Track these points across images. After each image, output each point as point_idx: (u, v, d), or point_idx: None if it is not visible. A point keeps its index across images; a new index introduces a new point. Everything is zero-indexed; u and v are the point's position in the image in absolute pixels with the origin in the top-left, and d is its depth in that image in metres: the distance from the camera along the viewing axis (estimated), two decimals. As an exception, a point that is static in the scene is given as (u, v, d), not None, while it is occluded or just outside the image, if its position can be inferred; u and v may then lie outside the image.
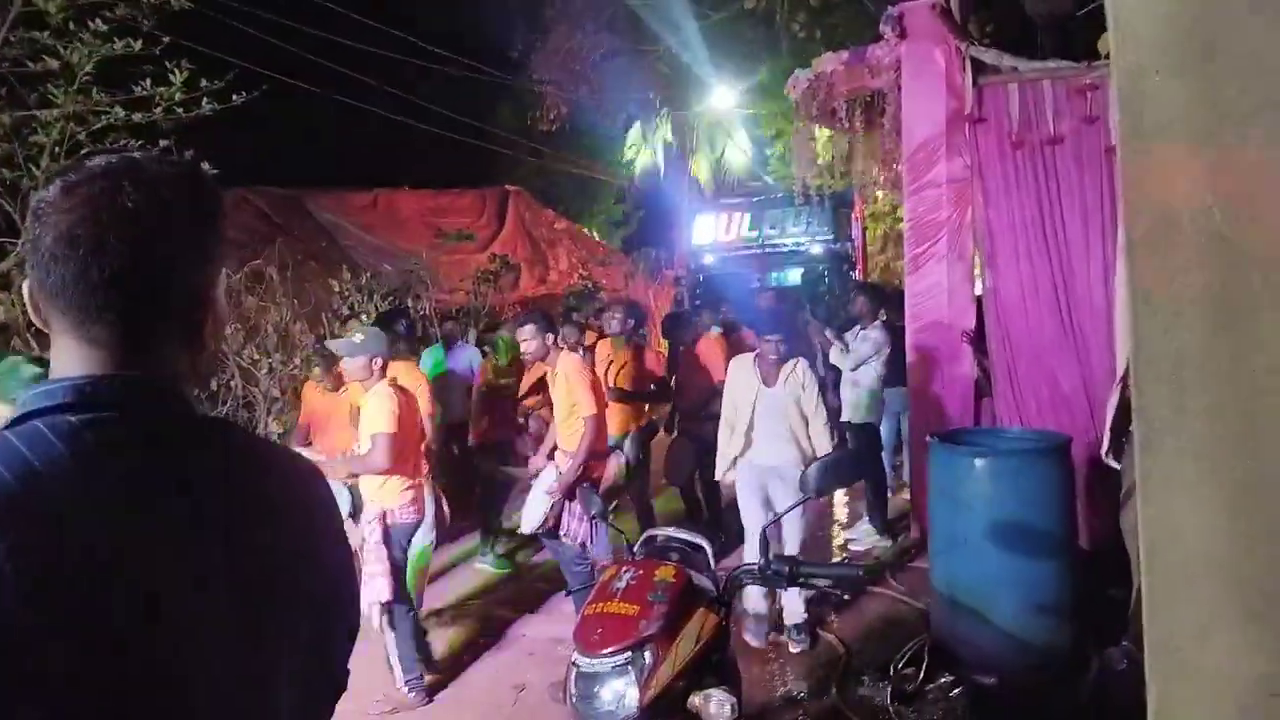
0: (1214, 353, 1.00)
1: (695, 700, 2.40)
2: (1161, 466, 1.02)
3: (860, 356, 6.45)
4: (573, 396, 4.78)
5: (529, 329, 4.78)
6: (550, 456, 5.09)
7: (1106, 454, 3.63)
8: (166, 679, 0.88)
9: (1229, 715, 1.01)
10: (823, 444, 4.71)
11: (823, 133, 7.59)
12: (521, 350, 4.96)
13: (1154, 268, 1.03)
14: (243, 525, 0.98)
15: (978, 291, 6.39)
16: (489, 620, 5.34)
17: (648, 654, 2.37)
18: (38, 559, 0.82)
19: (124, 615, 0.86)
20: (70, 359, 0.95)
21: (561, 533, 4.76)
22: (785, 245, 13.85)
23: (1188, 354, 1.01)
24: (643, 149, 17.27)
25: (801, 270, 13.56)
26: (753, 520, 4.65)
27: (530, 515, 4.83)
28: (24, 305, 0.97)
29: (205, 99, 5.70)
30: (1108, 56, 5.17)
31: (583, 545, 4.78)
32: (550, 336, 4.82)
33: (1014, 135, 5.92)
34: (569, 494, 4.68)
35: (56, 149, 5.31)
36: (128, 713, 0.86)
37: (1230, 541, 1.01)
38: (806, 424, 4.71)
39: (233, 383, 6.60)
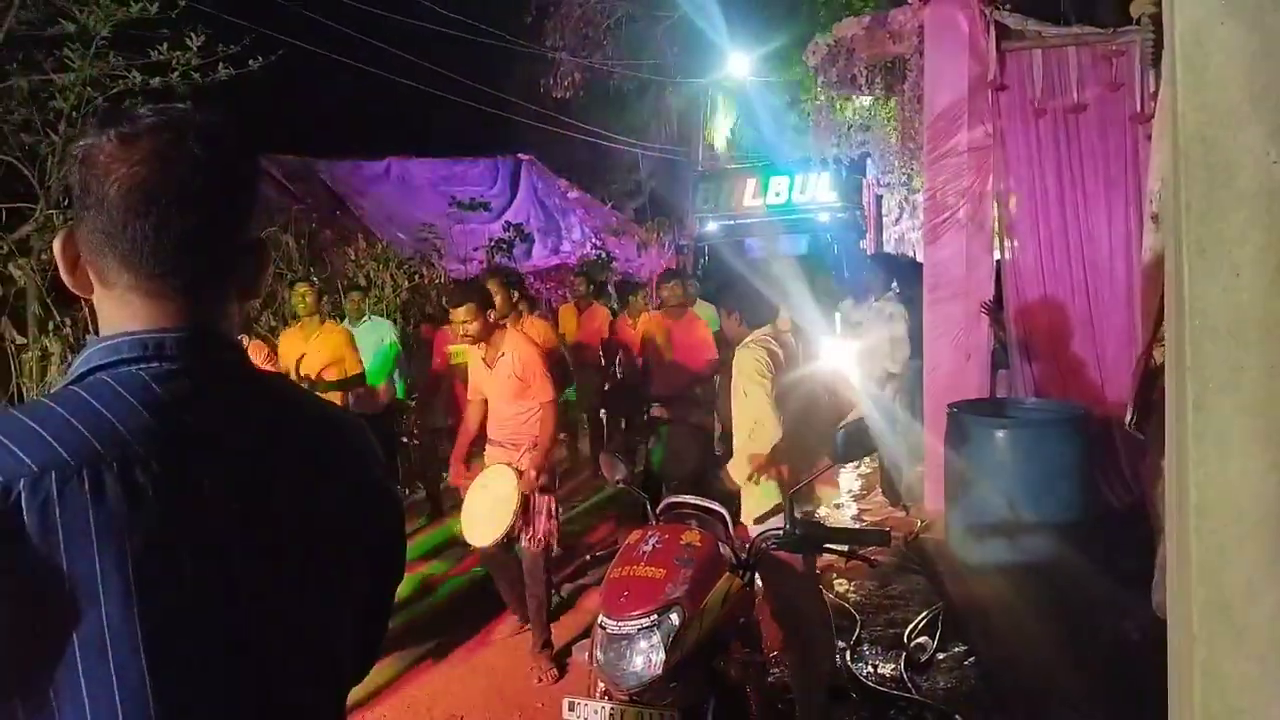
0: (1273, 311, 0.99)
1: (721, 663, 2.43)
2: (1215, 426, 1.02)
3: (899, 337, 6.43)
4: (532, 379, 4.24)
5: (467, 309, 4.14)
6: (465, 459, 4.50)
7: (1131, 424, 3.61)
8: (218, 626, 0.90)
9: (1275, 673, 1.02)
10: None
11: (842, 100, 7.50)
12: (461, 332, 4.26)
13: (1211, 224, 1.01)
14: (302, 477, 0.99)
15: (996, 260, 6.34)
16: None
17: (674, 617, 2.39)
18: (113, 502, 0.84)
19: (189, 564, 0.88)
20: (129, 312, 0.94)
21: (526, 537, 4.21)
22: (792, 213, 13.53)
23: (1246, 312, 1.00)
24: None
25: (808, 239, 13.28)
26: None
27: (484, 526, 4.13)
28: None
29: (221, 64, 5.68)
30: (1137, 21, 5.07)
31: (548, 549, 4.28)
32: (491, 315, 4.27)
33: (1037, 102, 5.85)
34: (540, 490, 4.21)
35: (74, 114, 5.30)
36: (180, 657, 0.87)
37: (1283, 501, 1.01)
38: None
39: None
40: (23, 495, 0.81)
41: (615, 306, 9.08)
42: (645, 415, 6.70)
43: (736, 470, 3.41)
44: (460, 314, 4.17)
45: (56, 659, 0.82)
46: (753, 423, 3.43)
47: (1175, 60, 1.03)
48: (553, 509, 4.32)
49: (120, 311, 0.95)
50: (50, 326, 5.62)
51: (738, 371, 3.54)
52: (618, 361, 8.00)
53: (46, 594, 0.81)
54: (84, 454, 0.84)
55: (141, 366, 0.91)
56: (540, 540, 4.23)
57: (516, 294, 5.37)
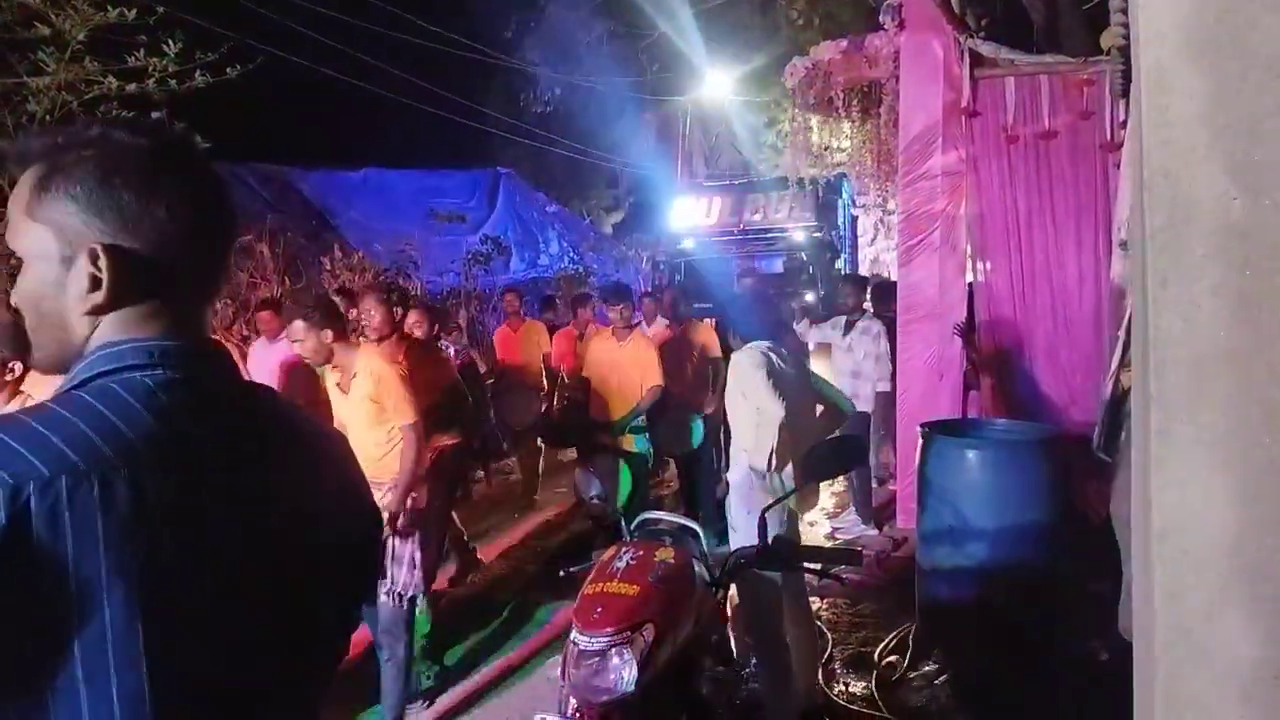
0: (1233, 342, 1.02)
1: (693, 680, 2.43)
2: (1178, 454, 1.05)
3: (884, 354, 6.48)
4: (388, 400, 3.72)
5: (299, 327, 3.63)
6: None
7: (1098, 447, 3.67)
8: (219, 633, 0.91)
9: (1233, 696, 1.05)
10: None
11: (818, 121, 7.59)
12: (302, 354, 3.81)
13: (1173, 257, 1.05)
14: (295, 485, 1.02)
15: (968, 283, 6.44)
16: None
17: (647, 634, 2.40)
18: (122, 508, 0.84)
19: (192, 571, 0.89)
20: (130, 323, 0.96)
21: (384, 590, 3.67)
22: (768, 232, 13.59)
23: (1206, 344, 1.03)
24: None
25: (783, 259, 13.35)
26: None
27: None
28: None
29: (198, 71, 5.64)
30: (1108, 53, 5.19)
31: (410, 603, 3.75)
32: (330, 334, 3.66)
33: (1009, 129, 5.96)
34: (402, 533, 3.71)
35: (48, 118, 5.24)
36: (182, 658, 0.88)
37: (1242, 527, 1.04)
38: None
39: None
40: (32, 498, 0.81)
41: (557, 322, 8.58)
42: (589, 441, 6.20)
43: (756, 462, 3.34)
44: (294, 331, 3.67)
45: (57, 663, 0.83)
46: (756, 412, 3.40)
47: (1141, 97, 1.06)
48: (416, 558, 3.74)
49: (125, 320, 0.97)
50: (17, 333, 5.52)
51: (733, 375, 3.55)
52: (560, 384, 7.62)
53: (51, 597, 0.82)
54: (94, 459, 0.84)
55: (146, 374, 0.93)
56: (398, 595, 3.67)
57: (400, 311, 4.90)
